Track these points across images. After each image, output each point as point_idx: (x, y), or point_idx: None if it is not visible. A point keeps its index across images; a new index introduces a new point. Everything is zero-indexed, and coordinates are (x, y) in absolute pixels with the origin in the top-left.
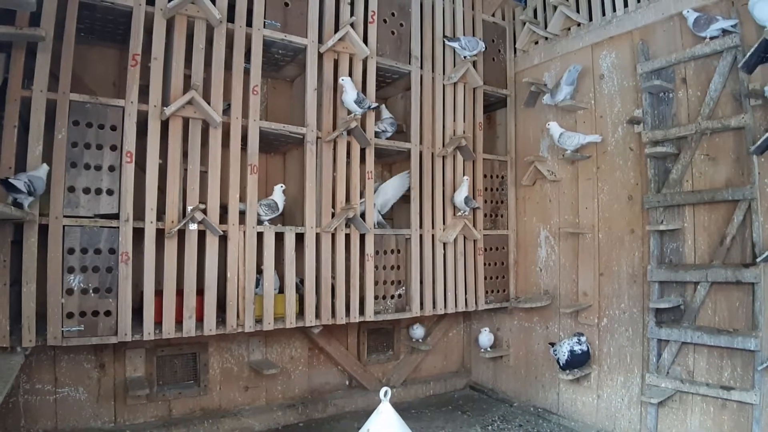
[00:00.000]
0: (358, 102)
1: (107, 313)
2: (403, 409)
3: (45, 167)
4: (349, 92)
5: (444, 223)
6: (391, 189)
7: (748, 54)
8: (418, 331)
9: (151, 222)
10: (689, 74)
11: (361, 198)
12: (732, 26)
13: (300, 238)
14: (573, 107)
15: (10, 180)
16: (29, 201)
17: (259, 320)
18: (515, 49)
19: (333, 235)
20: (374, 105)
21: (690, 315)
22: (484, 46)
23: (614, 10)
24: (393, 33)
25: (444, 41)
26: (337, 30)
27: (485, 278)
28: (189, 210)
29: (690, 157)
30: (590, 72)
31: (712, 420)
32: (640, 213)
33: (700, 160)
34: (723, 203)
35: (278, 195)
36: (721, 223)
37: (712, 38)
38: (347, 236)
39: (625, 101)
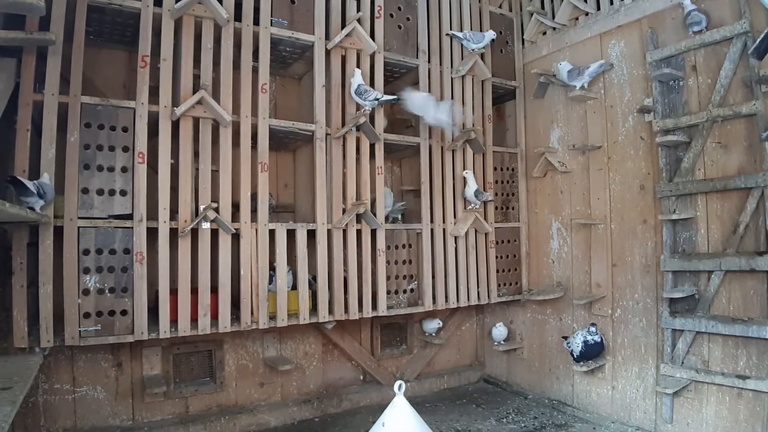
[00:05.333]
0: (359, 93)
1: (123, 313)
2: (417, 403)
3: (47, 175)
4: (356, 79)
5: (455, 217)
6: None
7: (758, 40)
8: (431, 325)
9: (165, 222)
10: (699, 61)
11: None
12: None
13: (311, 234)
14: (583, 97)
15: (20, 178)
16: (40, 204)
17: (272, 317)
18: (523, 40)
19: (344, 231)
20: (382, 98)
21: (704, 304)
22: (493, 34)
23: None
24: (400, 27)
25: (449, 36)
26: (344, 26)
27: (497, 271)
28: (201, 209)
29: (701, 145)
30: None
31: (728, 409)
32: (652, 202)
33: (711, 148)
34: (735, 191)
35: None
36: (734, 211)
37: (696, 33)
38: (358, 232)
39: (635, 90)
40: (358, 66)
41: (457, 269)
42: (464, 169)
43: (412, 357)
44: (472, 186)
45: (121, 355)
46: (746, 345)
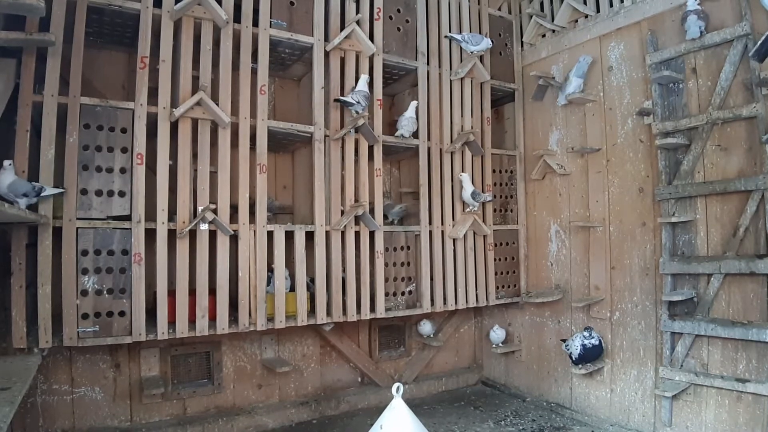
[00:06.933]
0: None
1: (121, 314)
2: (415, 405)
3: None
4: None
5: (453, 219)
6: None
7: (759, 42)
8: (429, 328)
9: (163, 223)
10: (699, 64)
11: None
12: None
13: (310, 236)
14: (582, 100)
15: None
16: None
17: (270, 318)
18: (522, 42)
19: (343, 233)
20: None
21: (703, 307)
22: (490, 42)
23: (621, 0)
24: (399, 29)
25: (447, 39)
26: (343, 28)
27: (496, 273)
28: (200, 210)
29: (701, 147)
30: (599, 64)
31: (728, 413)
32: (651, 205)
33: (711, 150)
34: (735, 194)
35: None
36: (734, 214)
37: (692, 40)
38: (357, 233)
39: (634, 93)
40: (356, 69)
41: (456, 271)
42: (462, 171)
43: (411, 359)
44: (468, 188)
45: (119, 356)
46: (746, 348)
